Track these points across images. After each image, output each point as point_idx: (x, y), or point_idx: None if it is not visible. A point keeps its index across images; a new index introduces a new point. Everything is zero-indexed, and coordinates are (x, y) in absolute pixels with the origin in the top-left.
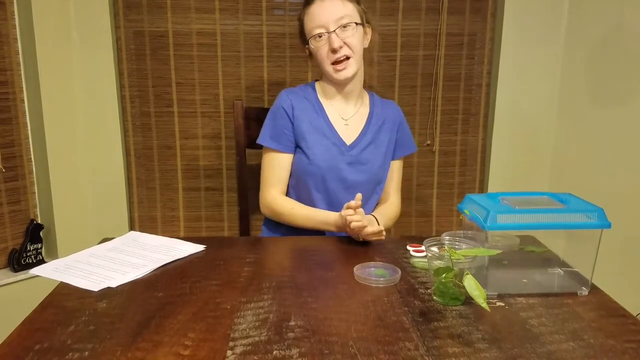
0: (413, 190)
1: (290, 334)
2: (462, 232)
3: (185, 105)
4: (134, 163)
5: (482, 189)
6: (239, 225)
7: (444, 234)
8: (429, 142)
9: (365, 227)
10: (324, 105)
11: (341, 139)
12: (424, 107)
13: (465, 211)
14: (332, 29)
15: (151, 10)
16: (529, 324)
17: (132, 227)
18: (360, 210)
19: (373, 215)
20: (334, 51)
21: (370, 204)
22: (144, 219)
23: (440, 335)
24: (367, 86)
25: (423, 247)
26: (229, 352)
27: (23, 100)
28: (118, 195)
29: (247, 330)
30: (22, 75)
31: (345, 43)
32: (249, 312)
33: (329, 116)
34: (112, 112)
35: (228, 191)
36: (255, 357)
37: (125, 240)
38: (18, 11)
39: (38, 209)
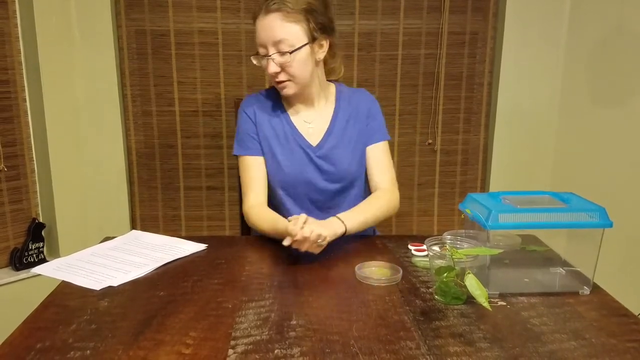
0: (414, 189)
1: (292, 333)
2: (463, 231)
3: (187, 104)
4: (135, 162)
5: (484, 188)
6: (240, 225)
7: (445, 233)
8: (430, 141)
9: (304, 244)
10: (286, 109)
11: (306, 140)
12: (425, 106)
13: (467, 210)
14: (270, 52)
15: (153, 9)
16: (530, 323)
17: (133, 226)
18: (301, 233)
19: (337, 217)
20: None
21: (348, 202)
22: (145, 218)
23: (441, 334)
24: (334, 79)
25: (424, 246)
26: (230, 351)
27: (25, 99)
28: (119, 194)
29: (249, 329)
30: (24, 74)
31: (283, 68)
32: (251, 311)
33: (292, 119)
34: (113, 111)
35: (229, 190)
36: (257, 356)
37: (127, 239)
38: (20, 10)
39: (40, 208)
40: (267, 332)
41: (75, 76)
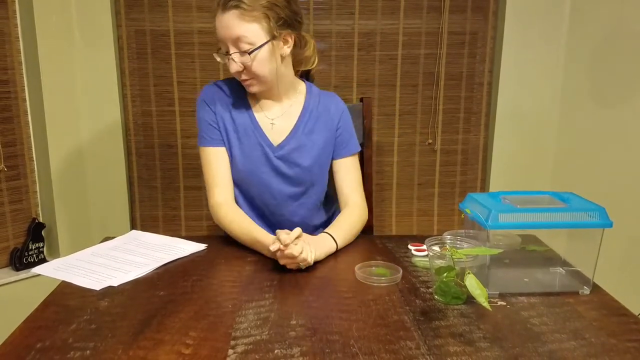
0: (414, 189)
1: (292, 333)
2: (463, 231)
3: (187, 104)
4: (135, 162)
5: (484, 188)
6: None
7: (445, 233)
8: (430, 140)
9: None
10: (250, 103)
11: (267, 139)
12: (425, 106)
13: (467, 210)
14: (230, 51)
15: (152, 9)
16: (530, 323)
17: (133, 226)
18: (291, 248)
19: (327, 233)
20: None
21: (303, 209)
22: (145, 217)
23: (441, 334)
24: (304, 75)
25: (424, 246)
26: (230, 351)
27: (25, 99)
28: (120, 194)
29: (249, 329)
30: (24, 74)
31: (244, 67)
32: (251, 311)
33: (255, 114)
34: (113, 111)
35: None
36: (257, 356)
37: (127, 239)
38: (20, 10)
39: (40, 208)
40: (267, 332)
41: (75, 76)
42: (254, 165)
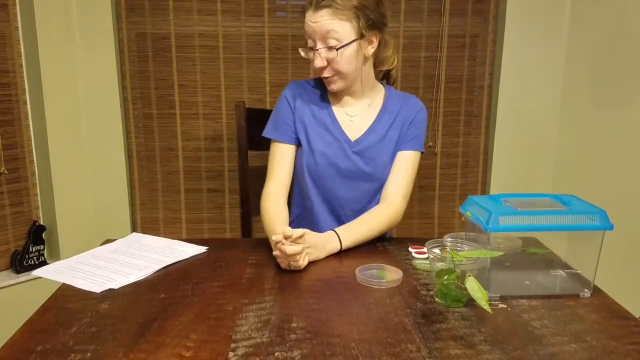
0: (415, 191)
1: (292, 336)
2: (464, 233)
3: (188, 107)
4: (136, 165)
5: (484, 190)
6: (241, 227)
7: (446, 236)
8: (431, 143)
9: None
10: (330, 99)
11: (345, 134)
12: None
13: (468, 213)
14: (317, 46)
15: (153, 12)
16: (531, 326)
17: (134, 229)
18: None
19: (335, 232)
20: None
21: (373, 205)
22: (146, 220)
23: (442, 337)
24: (384, 78)
25: (425, 249)
26: (230, 354)
27: (25, 102)
28: (120, 197)
29: (249, 331)
30: (25, 77)
31: (329, 63)
32: (251, 313)
33: (334, 110)
34: (114, 114)
35: (230, 193)
36: (257, 359)
37: (128, 241)
38: (21, 13)
39: (40, 211)
40: (267, 335)
41: (76, 79)
42: (332, 158)
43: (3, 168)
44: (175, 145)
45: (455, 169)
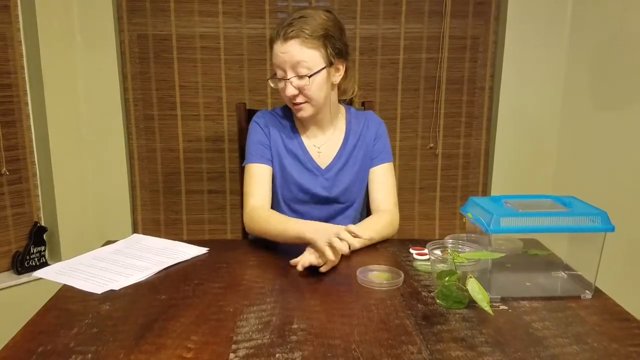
0: (416, 193)
1: (293, 337)
2: (465, 235)
3: (189, 108)
4: (137, 166)
5: (485, 191)
6: (242, 228)
7: (447, 237)
8: (432, 144)
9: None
10: (299, 129)
11: (315, 162)
12: (426, 110)
13: (469, 214)
14: (288, 76)
15: (155, 14)
16: (532, 328)
17: (135, 230)
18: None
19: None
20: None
21: (345, 223)
22: (147, 221)
23: (443, 338)
24: (346, 101)
25: (426, 250)
26: (231, 355)
27: (27, 103)
28: (121, 198)
29: (250, 333)
30: (26, 78)
31: (300, 91)
32: (252, 315)
33: (304, 141)
34: (115, 115)
35: (231, 194)
36: None
37: (129, 243)
38: (22, 14)
39: (41, 212)
40: (268, 336)
41: (77, 80)
42: (305, 187)
43: (4, 169)
44: (176, 146)
45: (456, 170)
